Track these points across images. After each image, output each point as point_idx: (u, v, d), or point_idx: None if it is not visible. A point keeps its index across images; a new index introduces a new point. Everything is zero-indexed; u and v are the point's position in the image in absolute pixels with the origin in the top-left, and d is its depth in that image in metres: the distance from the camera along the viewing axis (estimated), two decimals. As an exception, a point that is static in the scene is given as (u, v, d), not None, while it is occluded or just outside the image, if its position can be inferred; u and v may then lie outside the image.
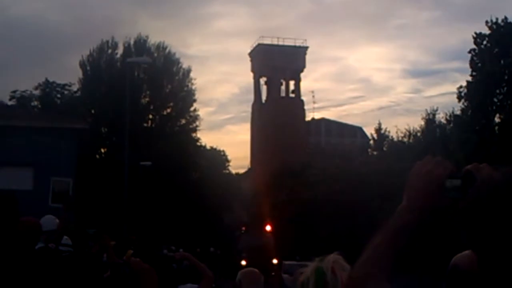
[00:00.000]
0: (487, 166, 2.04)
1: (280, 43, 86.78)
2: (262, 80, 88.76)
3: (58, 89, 60.45)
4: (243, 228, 34.99)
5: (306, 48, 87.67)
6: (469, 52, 44.96)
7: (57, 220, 8.08)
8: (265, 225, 37.69)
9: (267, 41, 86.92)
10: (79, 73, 59.99)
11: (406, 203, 2.09)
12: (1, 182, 37.19)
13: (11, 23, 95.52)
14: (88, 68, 59.93)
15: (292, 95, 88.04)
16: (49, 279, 5.50)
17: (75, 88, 60.32)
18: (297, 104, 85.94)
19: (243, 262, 31.52)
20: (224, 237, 47.16)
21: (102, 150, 59.06)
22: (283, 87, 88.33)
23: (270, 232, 35.67)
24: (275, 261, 32.14)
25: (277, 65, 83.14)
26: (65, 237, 8.30)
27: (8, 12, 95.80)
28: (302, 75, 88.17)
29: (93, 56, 60.27)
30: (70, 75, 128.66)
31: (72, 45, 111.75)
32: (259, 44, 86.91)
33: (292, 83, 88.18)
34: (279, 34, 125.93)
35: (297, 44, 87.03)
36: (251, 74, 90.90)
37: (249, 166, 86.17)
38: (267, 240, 32.98)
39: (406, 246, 2.07)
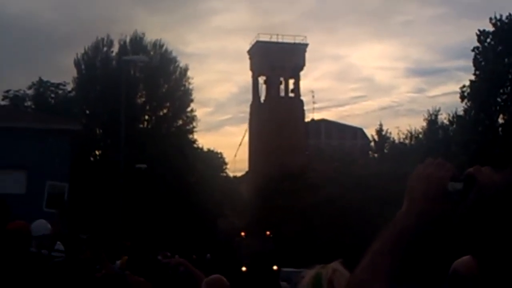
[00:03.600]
0: (489, 169, 2.00)
1: (279, 40, 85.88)
2: (261, 79, 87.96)
3: (52, 88, 59.77)
4: (243, 234, 34.25)
5: (306, 45, 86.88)
6: (473, 50, 44.18)
7: (49, 225, 7.78)
8: (266, 230, 37.02)
9: (266, 37, 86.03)
10: (74, 72, 59.21)
11: (406, 207, 2.07)
12: (-6, 185, 36.57)
13: (5, 22, 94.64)
14: (83, 67, 59.12)
15: (291, 94, 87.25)
16: (39, 285, 5.66)
17: (69, 87, 59.67)
18: (296, 104, 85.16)
19: (243, 268, 30.95)
20: (221, 242, 46.55)
21: (97, 152, 58.31)
22: (282, 86, 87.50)
23: (271, 237, 34.99)
24: (275, 267, 31.42)
25: (276, 63, 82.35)
26: (58, 242, 8.17)
27: (1, 11, 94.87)
28: (302, 73, 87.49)
29: (88, 54, 59.46)
30: (65, 74, 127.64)
31: (67, 43, 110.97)
32: (257, 42, 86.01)
33: (291, 82, 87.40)
34: (279, 31, 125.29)
35: (297, 41, 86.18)
36: (250, 73, 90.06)
37: (247, 169, 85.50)
38: (268, 246, 32.30)
39: (407, 251, 2.03)
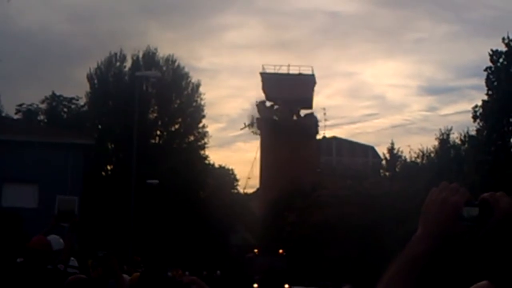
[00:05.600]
0: (504, 196, 2.03)
1: (284, 71, 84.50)
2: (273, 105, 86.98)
3: (65, 103, 60.06)
4: (256, 251, 34.23)
5: (313, 76, 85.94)
6: (485, 70, 44.03)
7: (62, 240, 7.78)
8: (278, 247, 36.96)
9: (271, 68, 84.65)
10: (87, 87, 59.36)
11: (421, 230, 2.10)
12: (6, 199, 36.75)
13: (18, 35, 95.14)
14: (95, 81, 59.24)
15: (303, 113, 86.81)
16: None
17: (82, 102, 59.86)
18: (309, 121, 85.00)
19: (255, 286, 30.87)
20: (233, 258, 46.44)
21: (108, 167, 58.31)
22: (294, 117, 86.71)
23: (284, 255, 34.88)
24: (286, 286, 31.29)
25: (285, 96, 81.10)
26: (71, 258, 8.21)
27: (14, 24, 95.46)
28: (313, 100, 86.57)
29: (100, 69, 59.60)
30: (78, 89, 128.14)
31: (79, 57, 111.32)
32: (265, 74, 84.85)
33: (303, 112, 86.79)
34: (292, 47, 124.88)
35: (304, 72, 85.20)
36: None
37: (258, 185, 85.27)
38: (281, 263, 32.21)
39: (422, 274, 2.04)
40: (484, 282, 2.20)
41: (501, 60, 43.65)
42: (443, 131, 53.59)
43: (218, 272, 35.56)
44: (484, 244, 2.01)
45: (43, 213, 28.20)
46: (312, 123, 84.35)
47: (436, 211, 2.09)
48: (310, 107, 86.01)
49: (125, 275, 10.93)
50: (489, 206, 2.03)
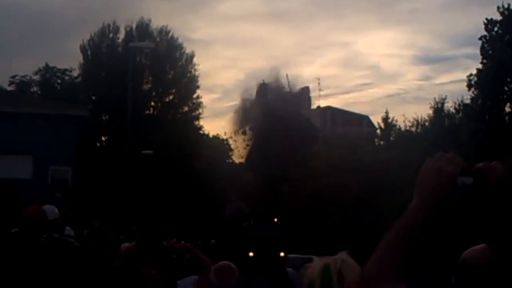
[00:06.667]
0: (498, 165, 2.07)
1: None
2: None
3: (59, 74, 59.93)
4: (251, 220, 34.39)
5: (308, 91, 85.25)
6: (480, 39, 44.01)
7: (57, 210, 7.68)
8: (273, 216, 37.10)
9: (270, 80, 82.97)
10: (80, 58, 59.17)
11: (417, 200, 2.12)
12: (1, 170, 36.70)
13: (10, 7, 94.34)
14: (89, 53, 59.04)
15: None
16: (60, 269, 5.79)
17: (75, 73, 59.69)
18: (302, 91, 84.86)
19: (250, 254, 31.07)
20: (227, 228, 46.66)
21: (103, 138, 58.36)
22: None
23: (279, 224, 35.00)
24: (282, 254, 31.45)
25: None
26: (67, 227, 8.16)
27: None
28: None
29: (94, 40, 59.36)
30: (71, 60, 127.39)
31: (73, 29, 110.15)
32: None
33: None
34: (286, 18, 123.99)
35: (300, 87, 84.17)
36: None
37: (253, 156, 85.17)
38: (276, 232, 32.36)
39: (417, 243, 2.07)
40: (475, 247, 2.29)
41: (496, 29, 43.68)
42: (437, 100, 53.74)
43: (213, 241, 35.67)
44: (480, 208, 2.07)
45: (38, 184, 28.33)
46: (305, 95, 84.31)
47: (431, 181, 2.11)
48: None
49: (124, 244, 10.96)
50: (483, 175, 2.07)
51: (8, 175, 34.52)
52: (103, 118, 57.98)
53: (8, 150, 36.91)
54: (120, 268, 6.64)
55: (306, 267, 3.08)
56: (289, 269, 30.42)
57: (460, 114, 48.61)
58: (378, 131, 64.55)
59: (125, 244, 11.26)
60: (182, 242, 26.48)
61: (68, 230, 8.46)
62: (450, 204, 2.11)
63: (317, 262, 3.02)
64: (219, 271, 5.79)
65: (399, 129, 60.32)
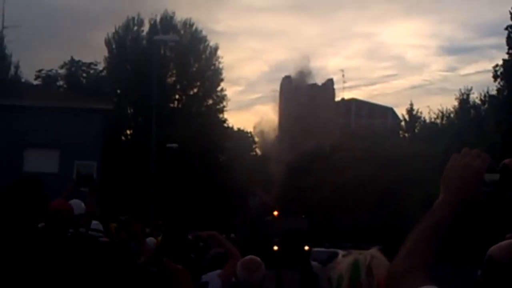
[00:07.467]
0: None
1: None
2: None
3: (84, 68, 60.24)
4: (275, 213, 34.27)
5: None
6: (506, 28, 43.52)
7: (83, 205, 7.71)
8: (298, 209, 37.06)
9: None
10: (105, 52, 59.50)
11: (444, 196, 2.11)
12: (28, 165, 37.07)
13: (35, 1, 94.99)
14: (113, 46, 59.35)
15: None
16: (86, 265, 5.77)
17: (101, 66, 60.02)
18: (326, 84, 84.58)
19: (275, 248, 31.04)
20: (252, 221, 46.70)
21: (128, 132, 58.65)
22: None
23: (303, 217, 34.92)
24: (306, 247, 31.36)
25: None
26: (95, 222, 8.19)
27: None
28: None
29: (118, 33, 59.64)
30: (96, 54, 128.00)
31: (98, 22, 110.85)
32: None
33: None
34: (311, 9, 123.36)
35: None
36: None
37: (277, 148, 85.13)
38: (301, 225, 32.28)
39: (444, 238, 2.07)
40: (502, 243, 2.30)
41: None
42: (463, 91, 53.32)
43: (232, 235, 35.65)
44: (508, 205, 2.08)
45: (64, 178, 28.61)
46: (330, 87, 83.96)
47: (457, 177, 2.09)
48: None
49: (149, 238, 11.02)
50: (510, 171, 2.04)
51: (35, 169, 34.91)
52: (128, 111, 58.27)
53: (35, 144, 37.23)
54: (148, 263, 6.68)
55: (336, 262, 3.06)
56: (314, 263, 30.34)
57: (486, 106, 48.18)
58: (403, 123, 64.18)
59: (151, 239, 11.35)
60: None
61: (97, 225, 8.50)
62: (476, 200, 2.10)
63: (347, 257, 3.02)
64: (245, 265, 5.81)
65: (424, 121, 59.94)
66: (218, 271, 6.63)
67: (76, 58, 60.13)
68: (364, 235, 35.69)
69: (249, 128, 74.40)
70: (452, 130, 46.95)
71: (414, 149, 46.82)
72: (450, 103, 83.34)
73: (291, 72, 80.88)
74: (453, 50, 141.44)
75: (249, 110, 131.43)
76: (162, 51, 56.02)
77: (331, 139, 57.06)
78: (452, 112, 54.87)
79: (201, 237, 6.74)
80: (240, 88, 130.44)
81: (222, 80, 61.73)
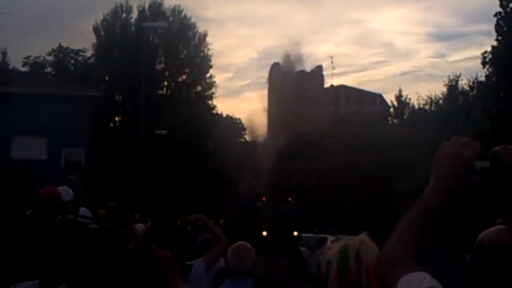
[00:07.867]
0: None
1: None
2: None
3: (72, 55, 59.92)
4: (264, 199, 34.35)
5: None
6: (495, 15, 43.55)
7: (71, 191, 7.68)
8: (287, 196, 37.13)
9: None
10: (93, 38, 59.23)
11: (434, 184, 2.12)
12: (15, 152, 36.94)
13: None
14: (102, 33, 59.06)
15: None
16: (75, 251, 5.22)
17: (89, 53, 59.74)
18: (315, 70, 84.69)
19: (264, 233, 31.10)
20: (241, 208, 46.75)
21: (117, 118, 58.51)
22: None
23: (293, 203, 35.01)
24: (295, 233, 31.44)
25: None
26: (83, 209, 8.16)
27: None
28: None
29: (107, 20, 59.37)
30: (84, 40, 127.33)
31: (86, 9, 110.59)
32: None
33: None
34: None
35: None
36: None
37: (266, 134, 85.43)
38: (290, 211, 32.35)
39: (434, 225, 2.08)
40: (492, 229, 2.29)
41: (511, 5, 43.15)
42: (451, 78, 53.31)
43: (221, 221, 35.69)
44: (499, 192, 2.06)
45: (53, 164, 28.49)
46: (319, 73, 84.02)
47: (448, 165, 2.10)
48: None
49: (138, 225, 10.98)
50: (500, 159, 2.05)
51: (23, 156, 34.83)
52: (117, 98, 58.10)
53: (23, 131, 37.08)
54: (136, 250, 6.66)
55: (325, 248, 3.09)
56: (302, 248, 30.42)
57: (475, 92, 48.25)
58: (392, 109, 64.31)
59: (140, 225, 11.31)
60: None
61: (86, 212, 8.47)
62: (466, 188, 2.11)
63: (336, 243, 3.01)
64: (236, 251, 5.81)
65: (413, 107, 60.02)
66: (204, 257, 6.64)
67: (64, 45, 59.91)
68: (353, 220, 35.81)
69: (238, 114, 74.41)
70: (440, 116, 47.01)
71: (402, 135, 46.87)
72: (438, 89, 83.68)
73: (280, 59, 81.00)
74: (442, 36, 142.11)
75: (238, 96, 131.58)
76: (150, 38, 55.78)
77: (320, 126, 57.13)
78: (440, 98, 54.90)
79: (189, 220, 6.70)
80: (229, 75, 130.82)
81: (211, 67, 61.77)
